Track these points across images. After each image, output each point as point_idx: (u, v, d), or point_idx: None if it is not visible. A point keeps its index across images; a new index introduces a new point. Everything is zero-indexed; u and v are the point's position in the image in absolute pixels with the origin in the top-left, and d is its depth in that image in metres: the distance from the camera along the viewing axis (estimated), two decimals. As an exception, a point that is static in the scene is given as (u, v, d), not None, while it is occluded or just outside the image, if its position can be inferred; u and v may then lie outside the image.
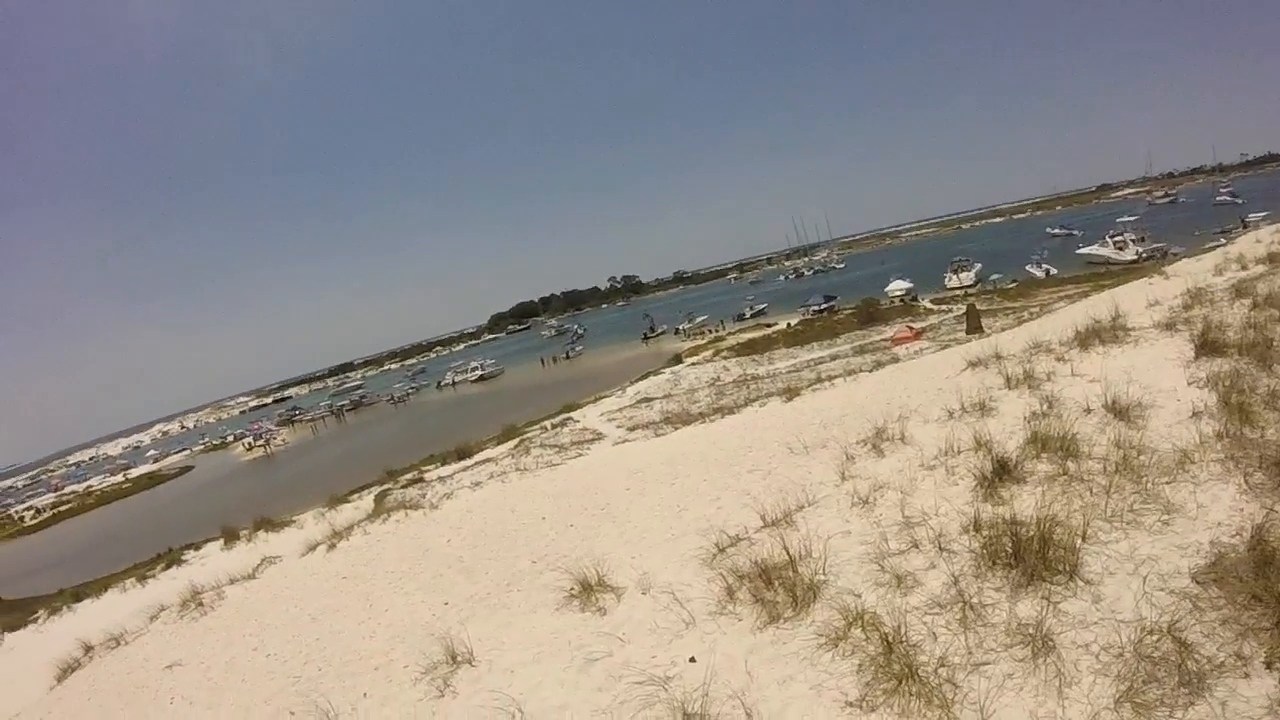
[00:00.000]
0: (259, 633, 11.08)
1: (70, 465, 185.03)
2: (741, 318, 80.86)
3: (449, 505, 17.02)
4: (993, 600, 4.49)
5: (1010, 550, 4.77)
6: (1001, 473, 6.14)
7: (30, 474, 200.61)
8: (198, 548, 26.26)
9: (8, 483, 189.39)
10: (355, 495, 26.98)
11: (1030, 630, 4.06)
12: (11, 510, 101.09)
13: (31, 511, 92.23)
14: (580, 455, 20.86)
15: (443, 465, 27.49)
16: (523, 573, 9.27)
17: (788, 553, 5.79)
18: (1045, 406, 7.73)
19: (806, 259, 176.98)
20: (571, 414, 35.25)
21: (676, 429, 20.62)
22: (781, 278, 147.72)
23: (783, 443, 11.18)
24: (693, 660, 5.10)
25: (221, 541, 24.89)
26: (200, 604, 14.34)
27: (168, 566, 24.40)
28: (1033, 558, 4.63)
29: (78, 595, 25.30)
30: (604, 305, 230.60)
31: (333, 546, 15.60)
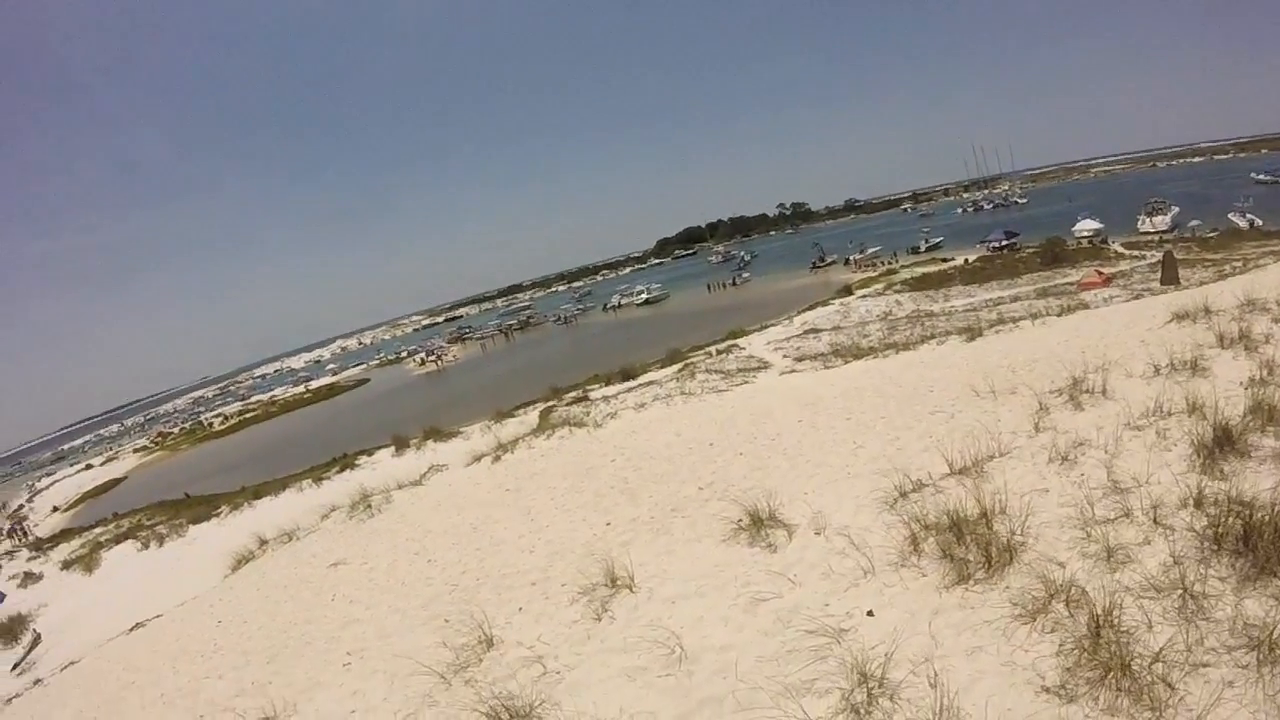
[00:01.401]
0: (421, 538, 11.66)
1: (256, 377, 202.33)
2: (915, 250, 77.09)
3: (613, 425, 17.30)
4: (1217, 591, 3.94)
5: (1240, 535, 4.20)
6: (1223, 443, 5.46)
7: (220, 385, 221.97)
8: (370, 453, 28.19)
9: (199, 393, 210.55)
10: (520, 410, 28.00)
11: (1258, 633, 3.52)
12: (202, 417, 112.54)
13: (220, 418, 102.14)
14: (746, 383, 20.66)
15: (607, 385, 28.00)
16: (688, 499, 9.17)
17: (980, 506, 5.40)
18: (1264, 372, 6.93)
19: (986, 191, 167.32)
20: (737, 341, 35.07)
21: (846, 362, 20.03)
22: (958, 210, 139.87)
23: (966, 384, 10.69)
24: (870, 614, 4.80)
25: (392, 449, 26.56)
26: (369, 506, 15.25)
27: (342, 470, 26.34)
28: (1266, 547, 4.04)
29: (258, 493, 27.88)
30: (772, 232, 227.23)
31: (497, 459, 16.17)
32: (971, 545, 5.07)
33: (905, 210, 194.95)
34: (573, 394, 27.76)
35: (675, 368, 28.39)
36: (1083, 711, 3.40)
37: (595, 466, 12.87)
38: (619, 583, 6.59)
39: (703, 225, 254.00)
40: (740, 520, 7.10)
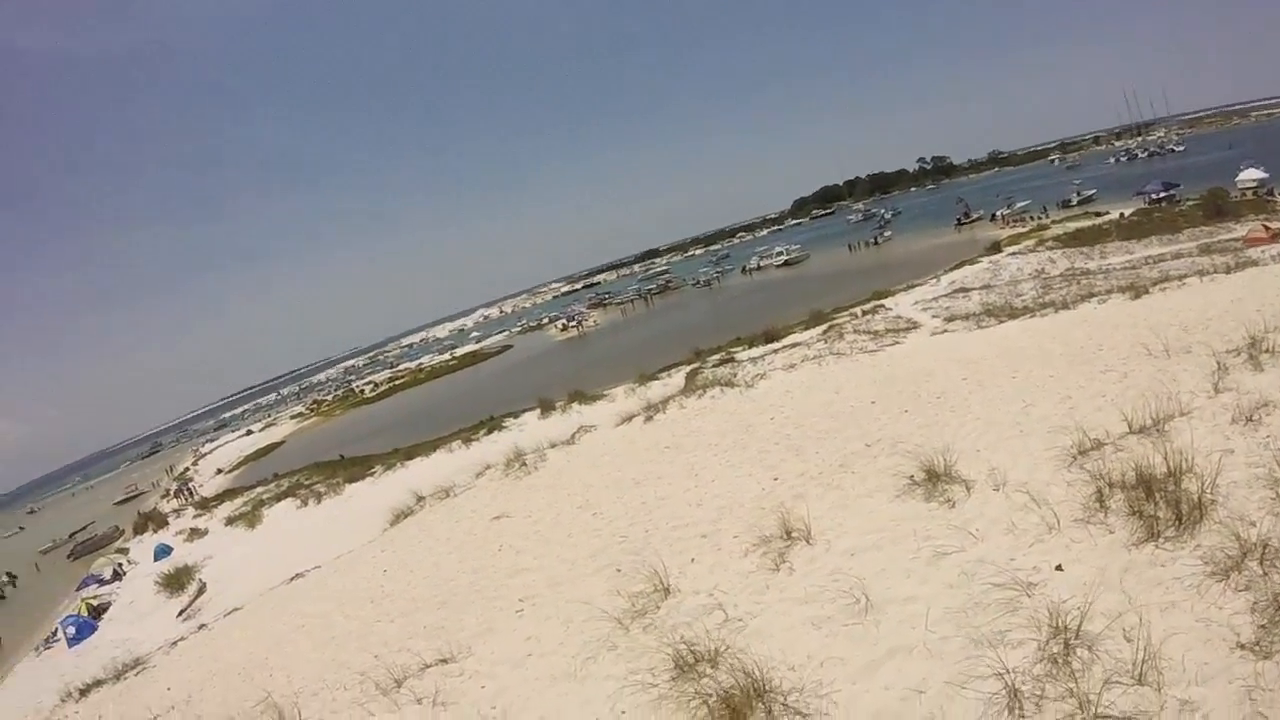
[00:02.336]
0: (583, 493, 12.08)
1: (404, 346, 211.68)
2: (1066, 204, 73.06)
3: (764, 385, 17.37)
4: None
5: None
6: None
7: (369, 355, 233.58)
8: (516, 416, 29.32)
9: (350, 363, 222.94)
10: (664, 373, 28.53)
11: None
12: (354, 385, 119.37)
13: (370, 386, 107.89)
14: (897, 344, 20.38)
15: (750, 348, 28.15)
16: (856, 455, 9.22)
17: (1167, 464, 5.31)
18: None
19: (1139, 139, 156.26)
20: (883, 301, 34.63)
21: (1001, 322, 19.51)
22: (1110, 160, 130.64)
23: (1137, 343, 10.39)
24: (1059, 569, 4.82)
25: (538, 411, 27.53)
26: (524, 464, 15.90)
27: (489, 432, 27.53)
28: None
29: (409, 454, 29.48)
30: (912, 189, 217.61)
31: (649, 418, 16.53)
32: (1160, 503, 5.01)
33: (1053, 161, 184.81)
34: (716, 356, 28.06)
35: (820, 329, 28.28)
36: (1279, 668, 3.40)
37: (754, 424, 12.99)
38: (794, 535, 6.73)
39: (840, 183, 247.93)
40: (913, 475, 7.16)
